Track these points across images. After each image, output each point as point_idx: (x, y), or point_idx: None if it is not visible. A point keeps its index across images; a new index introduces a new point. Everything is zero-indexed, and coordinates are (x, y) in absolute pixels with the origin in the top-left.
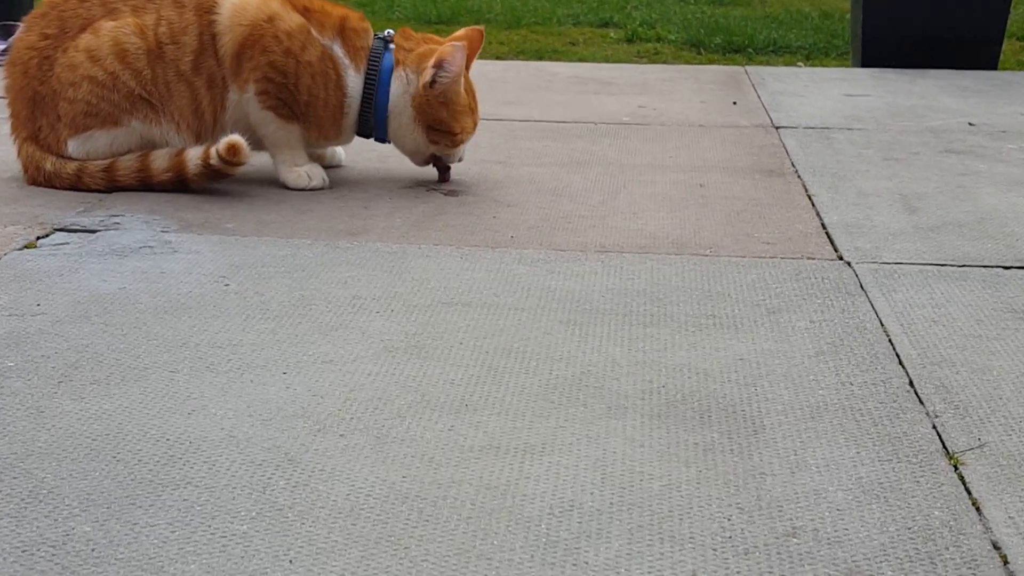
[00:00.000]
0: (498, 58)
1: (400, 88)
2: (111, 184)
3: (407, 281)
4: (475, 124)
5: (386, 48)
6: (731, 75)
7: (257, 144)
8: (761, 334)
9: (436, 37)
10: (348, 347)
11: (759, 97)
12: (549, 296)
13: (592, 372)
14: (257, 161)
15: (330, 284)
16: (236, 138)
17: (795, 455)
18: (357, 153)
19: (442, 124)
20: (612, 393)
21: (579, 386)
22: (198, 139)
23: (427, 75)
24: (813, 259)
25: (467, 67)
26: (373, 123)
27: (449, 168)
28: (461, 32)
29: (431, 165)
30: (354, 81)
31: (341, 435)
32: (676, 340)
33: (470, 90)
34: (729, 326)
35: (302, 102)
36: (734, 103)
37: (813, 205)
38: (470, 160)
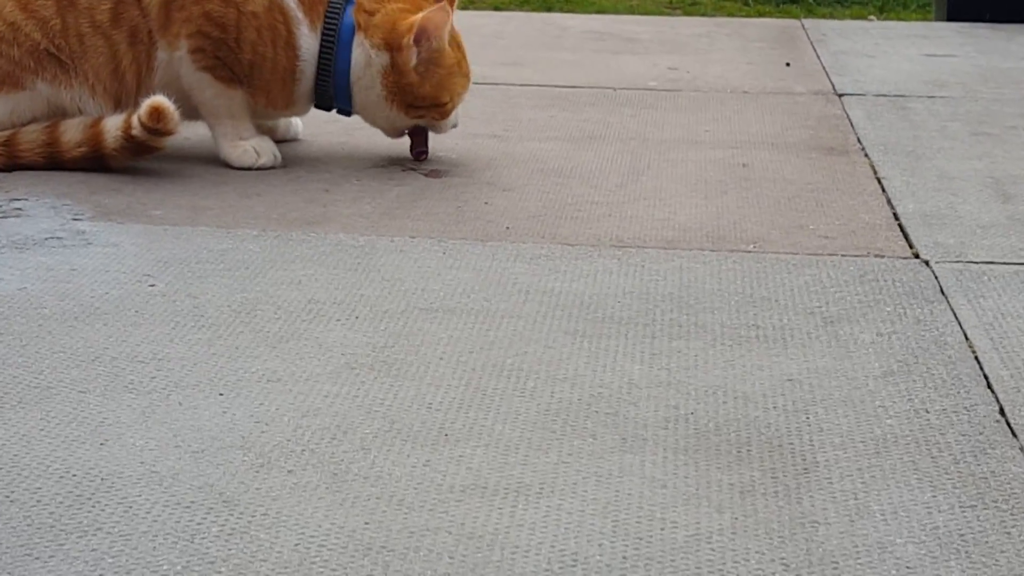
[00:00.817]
0: (496, 8)
1: (363, 59)
2: (11, 161)
3: (376, 281)
4: (467, 81)
5: (347, 2)
6: (784, 30)
7: (193, 113)
8: (815, 349)
9: None
10: (301, 363)
11: (818, 57)
12: (552, 301)
13: (604, 395)
14: (195, 133)
15: (280, 285)
16: (160, 100)
17: (855, 499)
18: (317, 124)
19: (425, 99)
20: (628, 421)
21: (587, 412)
22: (118, 106)
23: (409, 57)
24: (882, 257)
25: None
26: (332, 93)
27: (427, 141)
28: None
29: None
30: (308, 41)
31: (290, 471)
32: (709, 356)
33: (455, 40)
34: (775, 339)
35: (245, 62)
36: (787, 64)
37: (883, 190)
38: (457, 133)
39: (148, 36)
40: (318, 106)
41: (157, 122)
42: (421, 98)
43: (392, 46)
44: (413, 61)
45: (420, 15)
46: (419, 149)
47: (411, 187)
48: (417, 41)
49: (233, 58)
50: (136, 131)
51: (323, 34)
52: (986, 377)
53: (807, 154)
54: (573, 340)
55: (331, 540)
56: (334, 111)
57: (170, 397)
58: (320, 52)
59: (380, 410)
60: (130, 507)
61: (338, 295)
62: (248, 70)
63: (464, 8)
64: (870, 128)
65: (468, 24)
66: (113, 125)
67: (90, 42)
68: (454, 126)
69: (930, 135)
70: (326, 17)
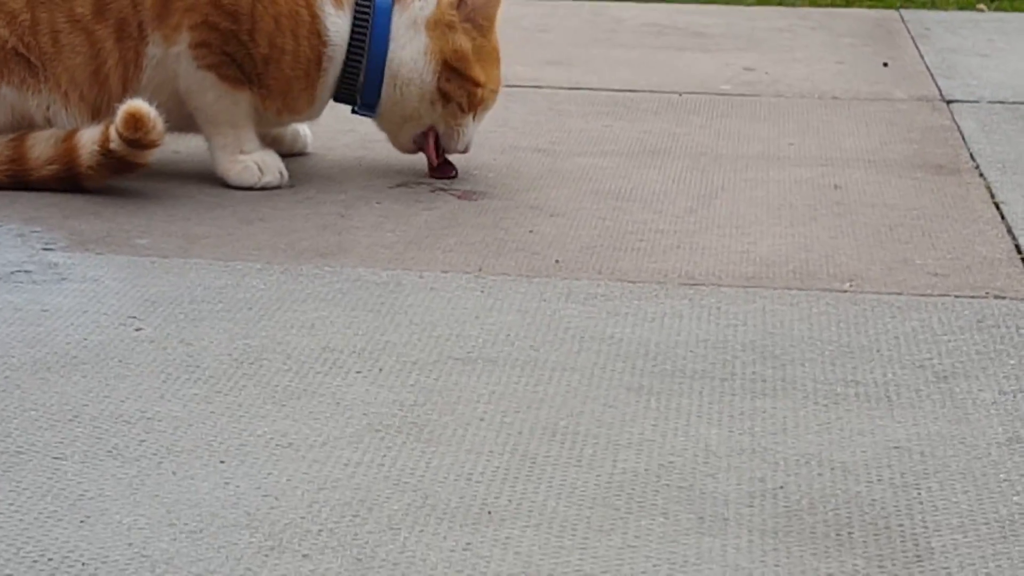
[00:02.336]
0: None
1: (412, 15)
2: None
3: (402, 325)
4: (499, 84)
5: None
6: (880, 22)
7: (186, 123)
8: (926, 410)
9: None
10: (315, 424)
11: (921, 56)
12: (611, 350)
13: (676, 465)
14: (186, 147)
15: (289, 329)
16: (138, 104)
17: None
18: (329, 136)
19: (462, 62)
20: (705, 496)
21: (656, 485)
22: (96, 115)
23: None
24: (1003, 298)
25: None
26: (361, 83)
27: (447, 158)
28: None
29: (419, 149)
30: (336, 23)
31: (305, 555)
32: (800, 418)
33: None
34: (879, 398)
35: (260, 57)
36: (884, 65)
37: (1003, 217)
38: (495, 146)
39: (139, 30)
40: (338, 99)
41: (135, 131)
42: (458, 56)
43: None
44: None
45: None
46: (443, 164)
47: (441, 211)
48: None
49: (244, 53)
50: (115, 144)
51: (355, 11)
52: None
53: (911, 173)
54: (637, 398)
55: None
56: (351, 112)
57: (162, 465)
58: (352, 35)
59: (410, 482)
60: None
61: (358, 342)
62: (262, 67)
63: None
64: (985, 142)
65: (506, 15)
66: (89, 138)
67: (66, 40)
68: (466, 148)
69: None
70: None
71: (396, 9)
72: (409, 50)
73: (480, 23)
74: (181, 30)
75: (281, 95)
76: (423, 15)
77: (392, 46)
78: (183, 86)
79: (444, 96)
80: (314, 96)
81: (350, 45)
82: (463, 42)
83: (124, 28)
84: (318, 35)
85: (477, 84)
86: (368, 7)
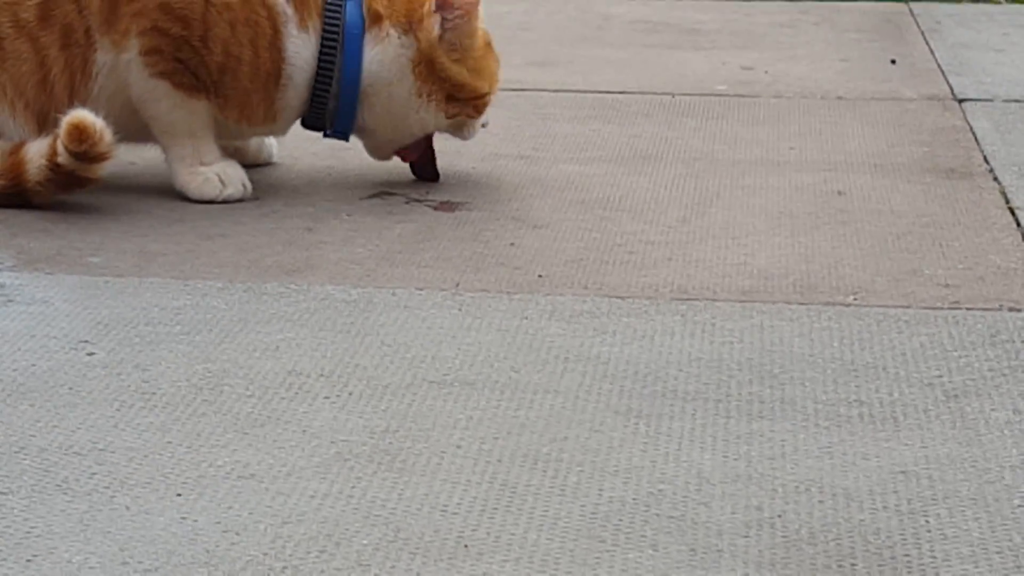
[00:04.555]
0: None
1: (387, 52)
2: None
3: (374, 347)
4: (499, 72)
5: None
6: (888, 16)
7: (141, 133)
8: (935, 432)
9: None
10: (280, 453)
11: (932, 52)
12: (598, 371)
13: (666, 493)
14: (142, 158)
15: (252, 352)
16: (81, 114)
17: None
18: (296, 144)
19: (463, 88)
20: (698, 526)
21: (645, 515)
22: (43, 126)
23: (431, 26)
24: (1018, 311)
25: None
26: (332, 110)
27: (434, 157)
28: None
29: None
30: (299, 42)
31: None
32: (799, 442)
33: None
34: (884, 419)
35: (214, 65)
36: (892, 61)
37: (1018, 224)
38: (475, 153)
39: (86, 35)
40: (308, 125)
41: (80, 143)
42: (458, 86)
43: (414, 23)
44: (435, 30)
45: None
46: (424, 165)
47: (417, 224)
48: (441, 6)
49: (198, 61)
50: (62, 158)
51: (324, 34)
52: None
53: (920, 178)
54: (626, 422)
55: None
56: (323, 136)
57: (115, 499)
58: (320, 56)
59: (381, 514)
60: None
61: (326, 365)
62: (217, 76)
63: None
64: (1000, 143)
65: (487, 13)
66: (36, 152)
67: (10, 47)
68: (484, 125)
69: None
70: (326, 13)
71: (369, 38)
72: (400, 89)
73: (464, 42)
74: (130, 36)
75: (238, 106)
76: (406, 55)
77: (373, 80)
78: (136, 95)
79: (451, 116)
80: (274, 111)
81: (318, 71)
82: (456, 72)
83: (70, 35)
84: (279, 50)
85: (482, 94)
86: (336, 32)
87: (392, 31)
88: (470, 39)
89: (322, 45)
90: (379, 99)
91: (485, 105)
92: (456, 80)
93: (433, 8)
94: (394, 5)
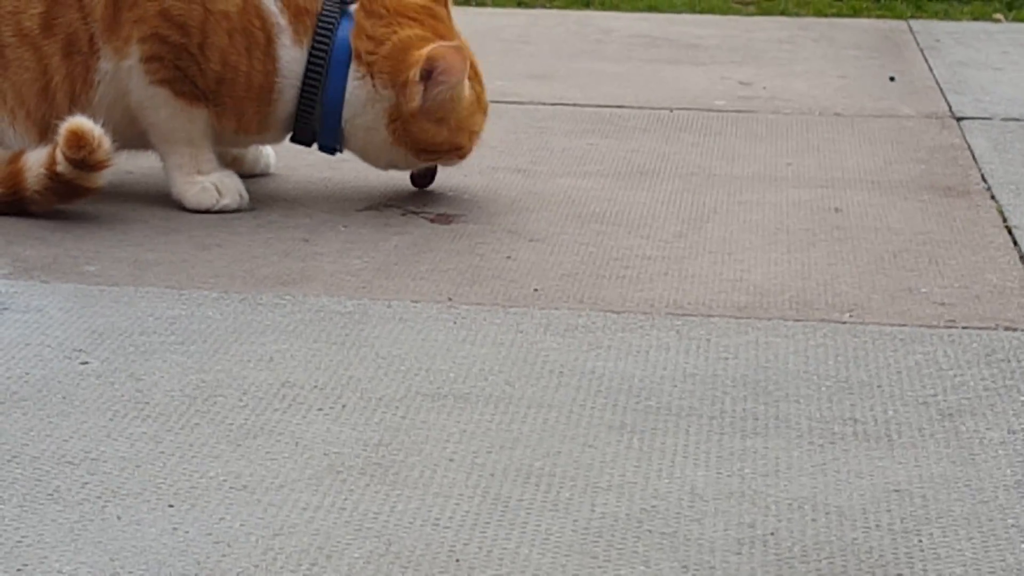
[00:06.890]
0: (521, 3)
1: (363, 95)
2: None
3: (368, 359)
4: (485, 116)
5: (343, 15)
6: (887, 34)
7: (138, 140)
8: (930, 450)
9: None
10: (273, 465)
11: (931, 69)
12: (592, 386)
13: (659, 509)
14: (139, 166)
15: (247, 363)
16: (80, 121)
17: None
18: (293, 155)
19: (441, 146)
20: (690, 543)
21: (638, 531)
22: (43, 135)
23: (414, 95)
24: (1014, 330)
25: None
26: (318, 126)
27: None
28: None
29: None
30: (291, 55)
31: None
32: (794, 459)
33: (472, 69)
34: (879, 437)
35: (212, 74)
36: (891, 79)
37: (1015, 243)
38: (471, 166)
39: (89, 44)
40: (297, 140)
41: (79, 149)
42: (435, 145)
43: (396, 80)
44: (416, 101)
45: (429, 48)
46: (425, 179)
47: (412, 236)
48: (427, 76)
49: (197, 69)
50: (62, 167)
51: (311, 53)
52: None
53: (917, 195)
54: (619, 437)
55: None
56: (315, 147)
57: (106, 509)
58: (306, 75)
59: (373, 527)
60: None
61: (320, 377)
62: (215, 85)
63: (481, 5)
64: (997, 162)
65: (486, 26)
66: (36, 161)
67: (12, 55)
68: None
69: None
70: (316, 33)
71: (351, 70)
72: (375, 135)
73: (448, 106)
74: (131, 42)
75: (235, 115)
76: (382, 107)
77: (349, 105)
78: (135, 102)
79: (431, 160)
80: (268, 122)
81: (305, 84)
82: (434, 134)
83: (73, 43)
84: (272, 60)
85: (460, 147)
86: (324, 51)
87: (372, 80)
88: (454, 103)
89: (309, 63)
90: (357, 133)
91: (466, 154)
92: (433, 141)
93: (417, 78)
94: (380, 51)
